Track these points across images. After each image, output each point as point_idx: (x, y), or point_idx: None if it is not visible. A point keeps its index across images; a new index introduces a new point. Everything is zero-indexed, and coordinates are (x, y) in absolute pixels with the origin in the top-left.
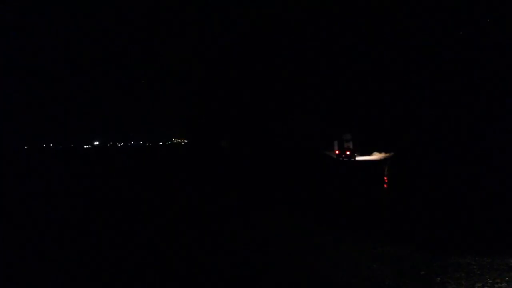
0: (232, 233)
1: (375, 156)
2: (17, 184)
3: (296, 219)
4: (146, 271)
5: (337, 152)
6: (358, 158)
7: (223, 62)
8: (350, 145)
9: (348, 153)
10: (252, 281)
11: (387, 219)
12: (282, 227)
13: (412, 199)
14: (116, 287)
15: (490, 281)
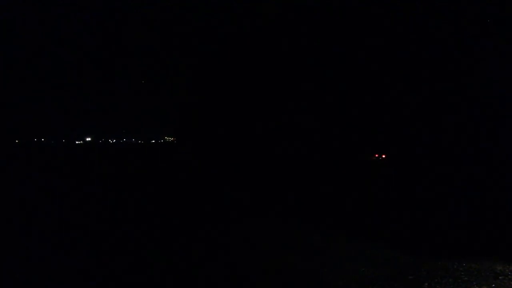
0: (224, 233)
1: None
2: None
3: (291, 220)
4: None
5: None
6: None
7: (217, 58)
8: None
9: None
10: (238, 280)
11: (378, 222)
12: (274, 229)
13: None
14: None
15: None
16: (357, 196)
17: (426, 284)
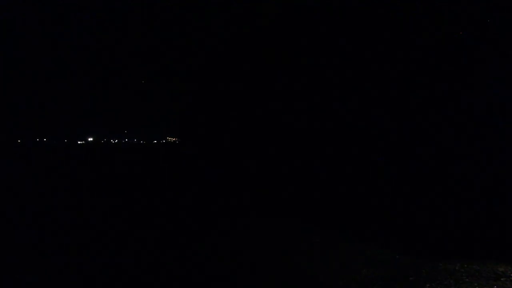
0: (224, 233)
1: None
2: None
3: (291, 220)
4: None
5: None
6: None
7: (217, 58)
8: None
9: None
10: (239, 281)
11: (379, 222)
12: (274, 229)
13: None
14: None
15: None
16: (358, 196)
17: (428, 285)
